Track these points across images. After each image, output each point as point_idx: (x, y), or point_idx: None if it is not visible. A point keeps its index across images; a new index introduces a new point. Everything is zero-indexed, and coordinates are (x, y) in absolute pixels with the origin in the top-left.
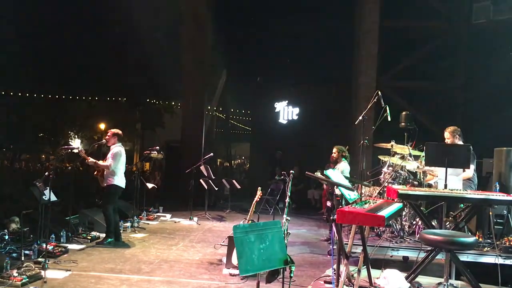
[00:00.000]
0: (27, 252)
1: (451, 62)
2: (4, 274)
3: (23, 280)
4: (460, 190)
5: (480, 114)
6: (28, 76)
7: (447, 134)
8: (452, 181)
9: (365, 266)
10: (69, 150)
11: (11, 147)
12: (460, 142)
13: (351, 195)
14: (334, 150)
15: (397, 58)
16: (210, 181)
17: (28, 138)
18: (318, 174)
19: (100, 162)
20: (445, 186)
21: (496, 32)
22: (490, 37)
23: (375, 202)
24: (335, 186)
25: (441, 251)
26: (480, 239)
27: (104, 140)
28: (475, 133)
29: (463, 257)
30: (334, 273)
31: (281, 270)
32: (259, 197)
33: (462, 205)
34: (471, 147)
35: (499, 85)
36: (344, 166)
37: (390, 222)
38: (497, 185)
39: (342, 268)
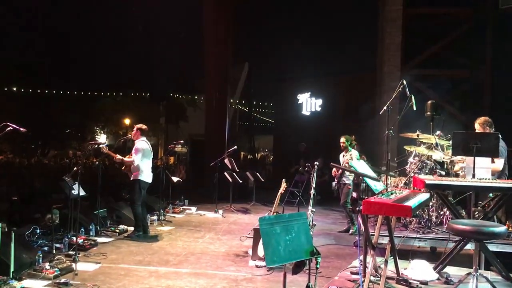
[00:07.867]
0: (58, 245)
1: (478, 49)
2: (37, 267)
3: (55, 273)
4: (489, 179)
5: (509, 102)
6: (55, 73)
7: (477, 126)
8: (480, 171)
9: (392, 257)
10: (96, 146)
11: (40, 143)
12: None
13: (377, 185)
14: (342, 139)
15: (422, 46)
16: (234, 174)
17: (56, 134)
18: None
19: (126, 159)
20: (473, 176)
21: None
22: None
23: (401, 193)
24: (360, 177)
25: (470, 241)
26: (510, 229)
27: (129, 135)
28: (504, 121)
29: (493, 247)
30: (361, 264)
31: (307, 261)
32: (284, 189)
33: (491, 194)
34: (499, 135)
35: None
36: (355, 153)
37: (417, 212)
38: None
39: (369, 259)
